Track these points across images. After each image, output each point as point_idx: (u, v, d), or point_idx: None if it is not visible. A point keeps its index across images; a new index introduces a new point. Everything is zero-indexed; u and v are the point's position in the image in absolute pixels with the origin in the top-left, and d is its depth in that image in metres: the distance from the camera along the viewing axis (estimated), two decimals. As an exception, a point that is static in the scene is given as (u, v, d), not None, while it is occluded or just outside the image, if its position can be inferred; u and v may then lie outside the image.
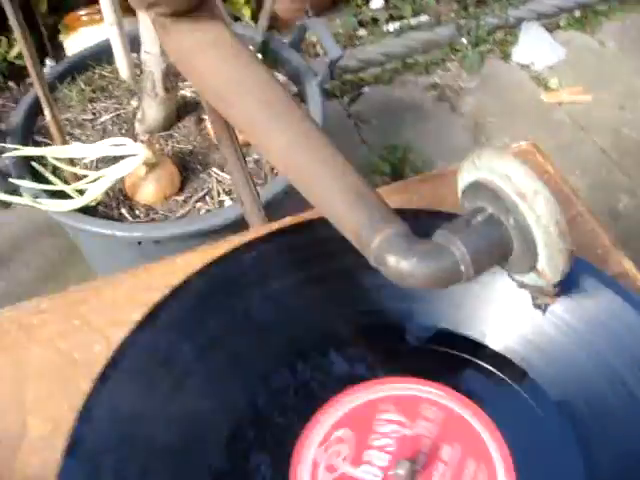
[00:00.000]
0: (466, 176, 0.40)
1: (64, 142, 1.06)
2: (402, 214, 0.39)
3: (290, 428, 0.39)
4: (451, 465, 0.38)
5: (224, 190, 1.11)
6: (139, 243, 1.04)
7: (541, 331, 0.42)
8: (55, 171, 1.09)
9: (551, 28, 2.03)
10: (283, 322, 0.43)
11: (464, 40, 1.96)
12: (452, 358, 0.42)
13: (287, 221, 0.50)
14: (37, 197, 1.06)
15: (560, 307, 0.42)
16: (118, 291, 0.48)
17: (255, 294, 0.44)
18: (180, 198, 1.10)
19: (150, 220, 1.07)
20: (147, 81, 1.10)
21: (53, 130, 1.05)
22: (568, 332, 0.41)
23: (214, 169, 1.13)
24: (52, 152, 1.03)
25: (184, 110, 1.21)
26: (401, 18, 2.02)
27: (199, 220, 1.04)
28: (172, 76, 1.11)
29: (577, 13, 2.05)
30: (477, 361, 0.42)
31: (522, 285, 0.42)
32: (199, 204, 1.10)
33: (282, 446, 0.39)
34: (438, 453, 0.39)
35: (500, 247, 0.38)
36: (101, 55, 1.32)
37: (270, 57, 1.27)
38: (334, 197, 0.39)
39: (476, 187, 0.39)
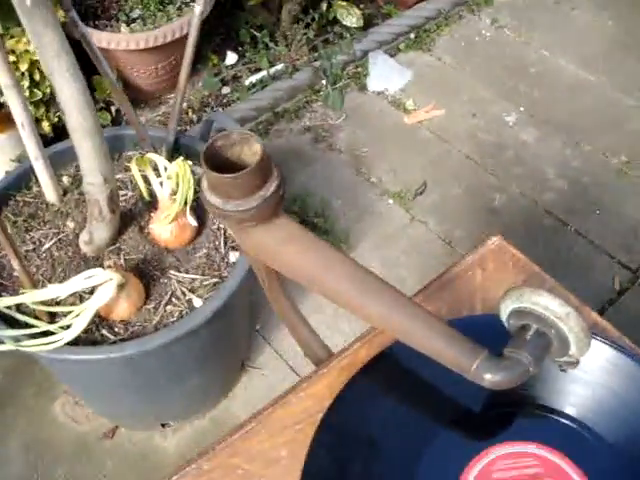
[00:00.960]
0: (510, 305, 0.56)
1: (33, 284, 1.14)
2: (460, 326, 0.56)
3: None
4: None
5: (187, 289, 1.22)
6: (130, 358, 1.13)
7: (597, 397, 0.60)
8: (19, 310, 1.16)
9: (394, 53, 2.26)
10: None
11: (323, 81, 2.14)
12: (545, 421, 0.61)
13: (358, 346, 0.65)
14: (18, 340, 1.13)
15: (606, 376, 0.61)
16: (258, 438, 0.61)
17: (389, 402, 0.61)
18: (150, 306, 1.20)
19: (130, 334, 1.17)
20: (93, 208, 1.19)
21: (22, 277, 1.12)
22: (612, 395, 0.60)
23: (171, 272, 1.24)
24: (31, 297, 1.10)
25: (122, 222, 1.30)
26: (258, 70, 2.17)
27: (182, 324, 1.15)
28: (115, 197, 1.20)
29: (412, 35, 2.28)
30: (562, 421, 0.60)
31: (555, 361, 0.59)
32: (169, 307, 1.21)
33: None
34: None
35: (547, 348, 0.56)
36: (20, 182, 1.38)
37: (183, 152, 1.38)
38: (433, 342, 0.55)
39: (521, 312, 0.56)
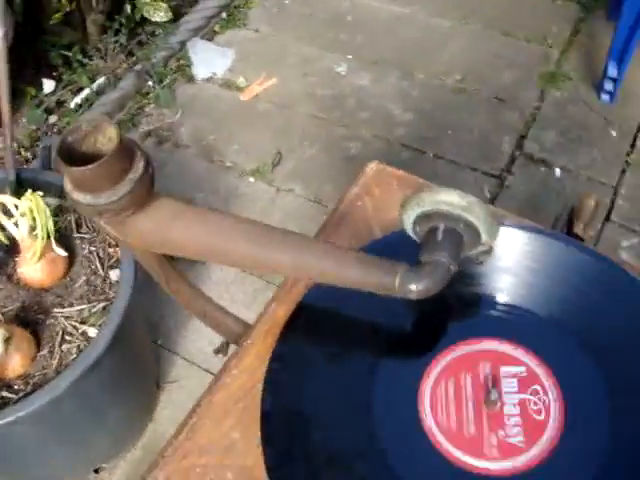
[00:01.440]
0: (412, 214, 0.56)
1: None
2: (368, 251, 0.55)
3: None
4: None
5: (78, 322, 1.15)
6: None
7: (521, 279, 0.61)
8: None
9: (211, 37, 2.22)
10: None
11: (149, 82, 2.08)
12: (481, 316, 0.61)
13: (274, 308, 0.63)
14: None
15: (524, 258, 0.61)
16: (204, 431, 0.57)
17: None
18: (44, 352, 1.13)
19: (33, 386, 1.09)
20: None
21: None
22: (533, 274, 0.60)
23: (55, 310, 1.16)
24: None
25: (-14, 275, 1.21)
26: (81, 89, 2.07)
27: (84, 358, 1.08)
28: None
29: (224, 15, 2.25)
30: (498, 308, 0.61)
31: (469, 255, 0.59)
32: (65, 347, 1.13)
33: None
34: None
35: (460, 243, 0.55)
36: None
37: (30, 187, 1.30)
38: (350, 273, 0.53)
39: (424, 217, 0.55)
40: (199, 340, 1.57)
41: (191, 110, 2.05)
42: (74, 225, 1.27)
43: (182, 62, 2.15)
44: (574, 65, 2.01)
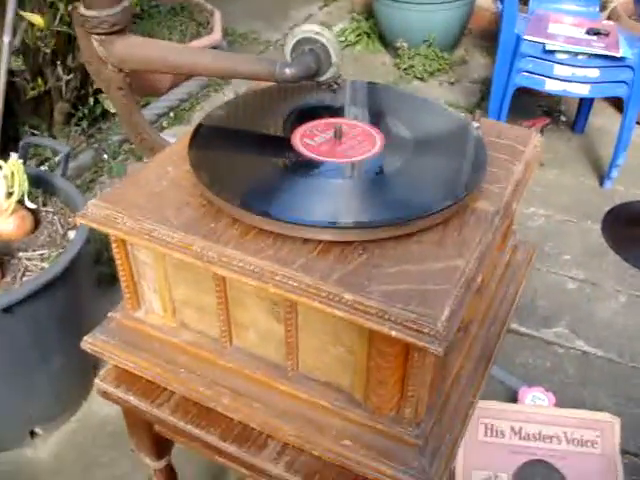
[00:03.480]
0: (290, 43, 0.90)
1: None
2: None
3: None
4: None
5: (38, 261, 1.42)
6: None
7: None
8: None
9: (159, 130, 2.62)
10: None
11: (104, 156, 2.44)
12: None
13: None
14: None
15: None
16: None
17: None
18: (8, 279, 1.38)
19: (-3, 300, 1.33)
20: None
21: None
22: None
23: (20, 254, 1.43)
24: None
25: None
26: (46, 160, 2.41)
27: (40, 276, 1.33)
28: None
29: (171, 114, 2.68)
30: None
31: (323, 82, 0.93)
32: (25, 278, 1.39)
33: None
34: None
35: (318, 57, 0.89)
36: None
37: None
38: (250, 67, 0.87)
39: (296, 44, 0.90)
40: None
41: (139, 182, 2.39)
42: (41, 204, 1.57)
43: (134, 146, 2.52)
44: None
